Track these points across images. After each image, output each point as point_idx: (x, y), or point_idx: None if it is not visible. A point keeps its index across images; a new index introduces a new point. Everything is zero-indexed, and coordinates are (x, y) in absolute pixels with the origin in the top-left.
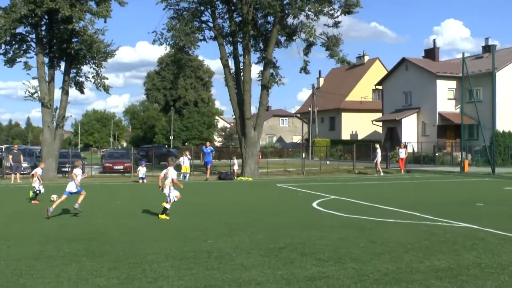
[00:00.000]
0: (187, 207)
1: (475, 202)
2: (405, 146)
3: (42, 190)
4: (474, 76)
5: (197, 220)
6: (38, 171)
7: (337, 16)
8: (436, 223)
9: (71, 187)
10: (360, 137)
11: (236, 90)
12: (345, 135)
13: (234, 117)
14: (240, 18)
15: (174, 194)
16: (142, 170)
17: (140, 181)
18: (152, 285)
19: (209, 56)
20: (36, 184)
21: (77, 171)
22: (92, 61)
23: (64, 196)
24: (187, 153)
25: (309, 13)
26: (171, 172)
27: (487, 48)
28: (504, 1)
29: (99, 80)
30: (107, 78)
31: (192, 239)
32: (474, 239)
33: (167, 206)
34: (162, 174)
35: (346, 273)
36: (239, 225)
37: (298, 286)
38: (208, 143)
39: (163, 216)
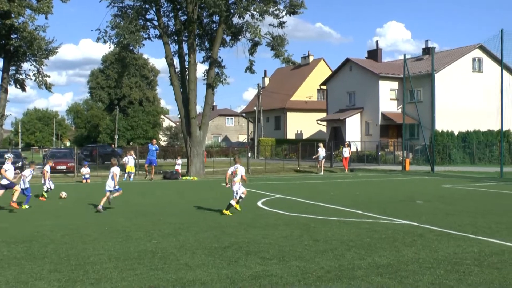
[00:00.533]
0: (131, 207)
1: (415, 199)
2: (349, 145)
3: (52, 187)
4: (415, 77)
5: (142, 220)
6: (46, 168)
7: (282, 16)
8: (378, 220)
9: (110, 184)
10: (305, 137)
11: (181, 89)
12: (290, 135)
13: (179, 116)
14: (185, 17)
15: (242, 191)
16: (85, 171)
17: (84, 181)
18: (95, 287)
19: (154, 55)
20: (47, 182)
21: (116, 169)
22: (33, 59)
23: (107, 194)
24: (132, 152)
25: (255, 12)
26: (240, 169)
27: (427, 50)
28: (443, 5)
29: (40, 78)
30: (49, 76)
31: (136, 240)
32: (414, 235)
33: (233, 202)
34: (230, 172)
35: (290, 271)
36: (184, 225)
37: (242, 285)
38: (154, 141)
39: (227, 212)
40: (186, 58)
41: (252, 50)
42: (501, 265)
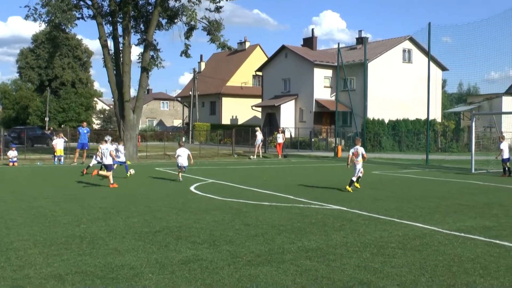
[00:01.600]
0: (60, 191)
1: (345, 185)
2: (283, 132)
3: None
4: (348, 66)
5: (71, 205)
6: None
7: (219, 1)
8: (309, 205)
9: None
10: (240, 122)
11: (115, 72)
12: (226, 120)
13: (113, 99)
14: None
15: (361, 170)
16: (12, 154)
17: (11, 164)
18: (18, 274)
19: (89, 36)
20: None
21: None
22: None
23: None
24: (61, 135)
25: None
26: (360, 150)
27: (360, 40)
28: None
29: None
30: None
31: (64, 224)
32: (343, 220)
33: (354, 179)
34: (351, 153)
35: (220, 255)
36: (114, 209)
37: (172, 270)
38: (84, 124)
39: (349, 188)
40: (121, 40)
41: (188, 34)
42: (422, 248)
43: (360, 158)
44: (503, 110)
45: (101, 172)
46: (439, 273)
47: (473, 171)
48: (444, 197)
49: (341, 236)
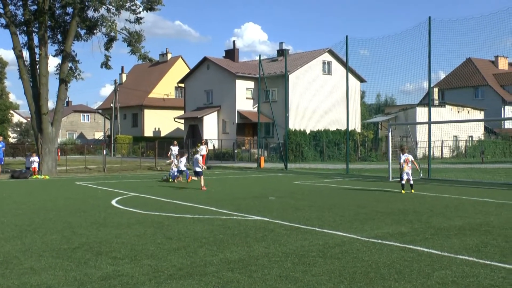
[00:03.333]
0: None
1: (268, 196)
2: (206, 143)
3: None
4: (270, 78)
5: None
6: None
7: (139, 12)
8: (231, 217)
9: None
10: (163, 134)
11: (31, 83)
12: (148, 132)
13: (30, 111)
14: (35, 7)
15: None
16: None
17: None
18: None
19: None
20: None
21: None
22: None
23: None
24: None
25: (110, 6)
26: (410, 157)
27: (281, 52)
28: (297, 10)
29: None
30: None
31: None
32: (265, 230)
33: (403, 182)
34: (402, 161)
35: (142, 270)
36: (31, 226)
37: (91, 287)
38: (0, 138)
39: (404, 191)
40: (37, 50)
41: (108, 45)
42: (342, 255)
43: (410, 165)
44: (417, 120)
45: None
46: (357, 279)
47: (390, 179)
48: (363, 205)
49: (263, 247)
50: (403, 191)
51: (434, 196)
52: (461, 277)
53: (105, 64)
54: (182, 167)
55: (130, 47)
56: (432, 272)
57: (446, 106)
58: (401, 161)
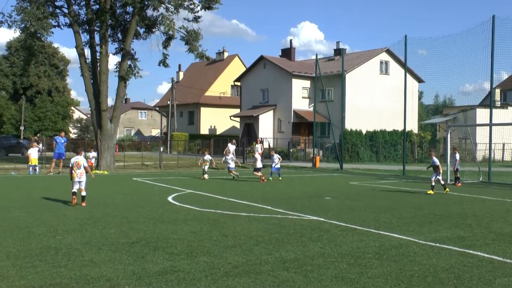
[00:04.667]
0: (35, 202)
1: (323, 196)
2: (261, 142)
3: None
4: (326, 77)
5: (46, 215)
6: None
7: (197, 11)
8: (287, 216)
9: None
10: (218, 132)
11: (92, 81)
12: (204, 130)
13: (90, 108)
14: (97, 6)
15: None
16: None
17: None
18: None
19: (66, 44)
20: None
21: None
22: None
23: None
24: (35, 144)
25: (169, 5)
26: (436, 160)
27: (338, 51)
28: (355, 9)
29: None
30: None
31: (38, 236)
32: (320, 231)
33: (442, 182)
34: (438, 163)
35: (198, 266)
36: (91, 220)
37: (149, 281)
38: (62, 133)
39: (431, 192)
40: (98, 49)
41: (166, 44)
42: (399, 258)
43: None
44: (477, 121)
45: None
46: (415, 283)
47: (449, 181)
48: (420, 208)
49: (319, 247)
50: (430, 192)
51: (494, 200)
52: None
53: (163, 62)
54: (231, 164)
55: (188, 45)
56: (494, 279)
57: (509, 107)
58: (438, 163)
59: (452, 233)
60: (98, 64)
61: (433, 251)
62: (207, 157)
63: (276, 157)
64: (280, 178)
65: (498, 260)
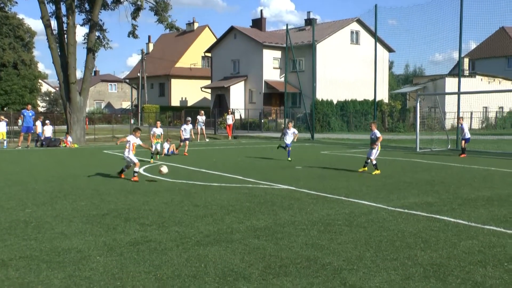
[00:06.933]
0: (4, 176)
1: (295, 165)
2: (233, 113)
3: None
4: (297, 47)
5: (15, 189)
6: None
7: None
8: (258, 185)
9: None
10: (189, 104)
11: (59, 53)
12: (175, 102)
13: (58, 81)
14: None
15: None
16: None
17: None
18: None
19: (31, 15)
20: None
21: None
22: None
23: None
24: (2, 117)
25: None
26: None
27: (309, 22)
28: None
29: None
30: None
31: (7, 209)
32: (291, 199)
33: (374, 161)
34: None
35: (169, 236)
36: (61, 193)
37: (120, 252)
38: (29, 107)
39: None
40: (65, 20)
41: (134, 14)
42: (368, 224)
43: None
44: (446, 90)
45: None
46: (383, 248)
47: (418, 150)
48: (390, 175)
49: (289, 215)
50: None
51: (462, 167)
52: (488, 247)
53: (132, 34)
54: (187, 135)
55: (157, 16)
56: (459, 241)
57: (477, 76)
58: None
59: (420, 199)
60: (65, 35)
61: (401, 217)
62: (159, 130)
63: (292, 132)
64: (289, 159)
65: (463, 224)
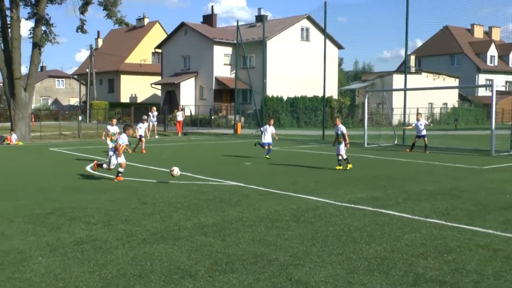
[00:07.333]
0: None
1: (244, 162)
2: (183, 109)
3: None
4: (248, 44)
5: None
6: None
7: None
8: (207, 182)
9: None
10: (139, 100)
11: (3, 47)
12: (125, 98)
13: (2, 76)
14: None
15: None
16: None
17: None
18: None
19: None
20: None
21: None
22: None
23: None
24: None
25: None
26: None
27: (260, 18)
28: None
29: None
30: None
31: None
32: (240, 195)
33: (345, 156)
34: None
35: (115, 234)
36: (4, 192)
37: (64, 251)
38: None
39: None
40: (9, 13)
41: (83, 9)
42: (315, 219)
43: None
44: (394, 87)
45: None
46: (329, 242)
47: (365, 145)
48: (337, 171)
49: (237, 211)
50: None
51: (407, 162)
52: (430, 239)
53: (81, 28)
54: (142, 133)
55: (106, 11)
56: (402, 235)
57: (422, 73)
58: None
59: (366, 194)
60: (9, 29)
61: (348, 211)
62: (114, 128)
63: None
64: (267, 157)
65: (407, 218)
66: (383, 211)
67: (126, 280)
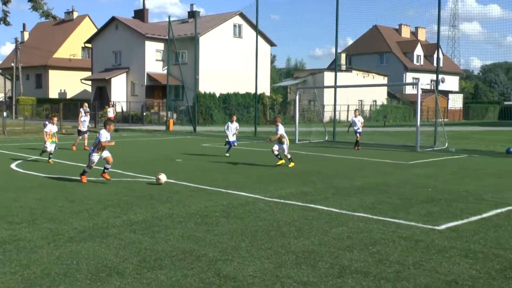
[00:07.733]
0: None
1: (176, 158)
2: (114, 106)
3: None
4: (180, 39)
5: None
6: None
7: None
8: (137, 179)
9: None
10: (69, 96)
11: None
12: (53, 94)
13: None
14: None
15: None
16: None
17: None
18: None
19: None
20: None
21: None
22: None
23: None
24: None
25: None
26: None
27: (192, 14)
28: None
29: None
30: None
31: None
32: (170, 192)
33: (289, 155)
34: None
35: (40, 234)
36: None
37: None
38: None
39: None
40: None
41: (5, 0)
42: (245, 215)
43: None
44: (325, 84)
45: None
46: (258, 237)
47: (296, 141)
48: (268, 167)
49: (167, 208)
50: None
51: (337, 157)
52: (356, 232)
53: (4, 20)
54: (85, 128)
55: (31, 3)
56: (330, 229)
57: (353, 71)
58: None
59: (296, 189)
60: None
61: (277, 207)
62: (55, 128)
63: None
64: (226, 154)
65: (335, 212)
66: (312, 206)
67: (51, 280)
